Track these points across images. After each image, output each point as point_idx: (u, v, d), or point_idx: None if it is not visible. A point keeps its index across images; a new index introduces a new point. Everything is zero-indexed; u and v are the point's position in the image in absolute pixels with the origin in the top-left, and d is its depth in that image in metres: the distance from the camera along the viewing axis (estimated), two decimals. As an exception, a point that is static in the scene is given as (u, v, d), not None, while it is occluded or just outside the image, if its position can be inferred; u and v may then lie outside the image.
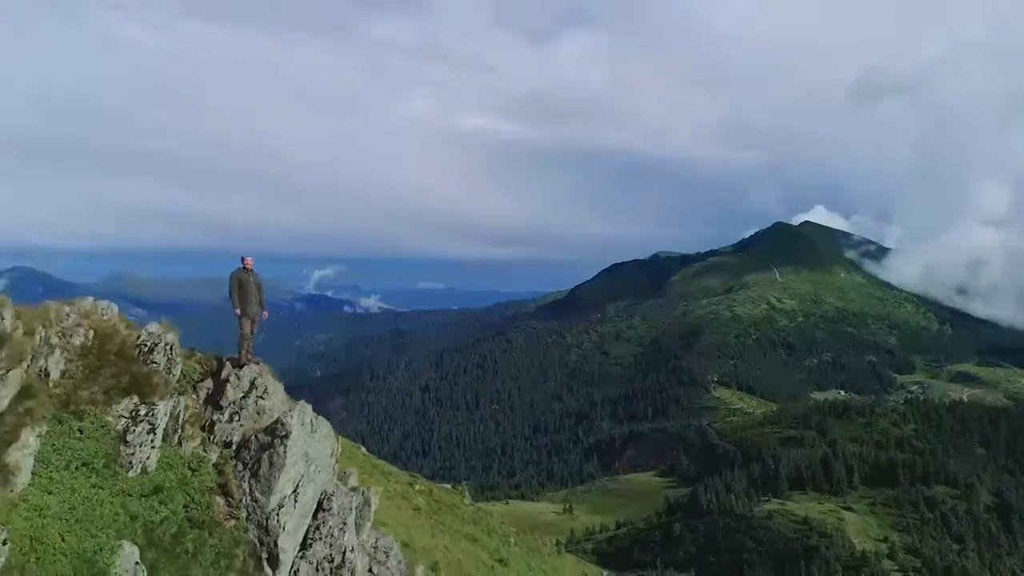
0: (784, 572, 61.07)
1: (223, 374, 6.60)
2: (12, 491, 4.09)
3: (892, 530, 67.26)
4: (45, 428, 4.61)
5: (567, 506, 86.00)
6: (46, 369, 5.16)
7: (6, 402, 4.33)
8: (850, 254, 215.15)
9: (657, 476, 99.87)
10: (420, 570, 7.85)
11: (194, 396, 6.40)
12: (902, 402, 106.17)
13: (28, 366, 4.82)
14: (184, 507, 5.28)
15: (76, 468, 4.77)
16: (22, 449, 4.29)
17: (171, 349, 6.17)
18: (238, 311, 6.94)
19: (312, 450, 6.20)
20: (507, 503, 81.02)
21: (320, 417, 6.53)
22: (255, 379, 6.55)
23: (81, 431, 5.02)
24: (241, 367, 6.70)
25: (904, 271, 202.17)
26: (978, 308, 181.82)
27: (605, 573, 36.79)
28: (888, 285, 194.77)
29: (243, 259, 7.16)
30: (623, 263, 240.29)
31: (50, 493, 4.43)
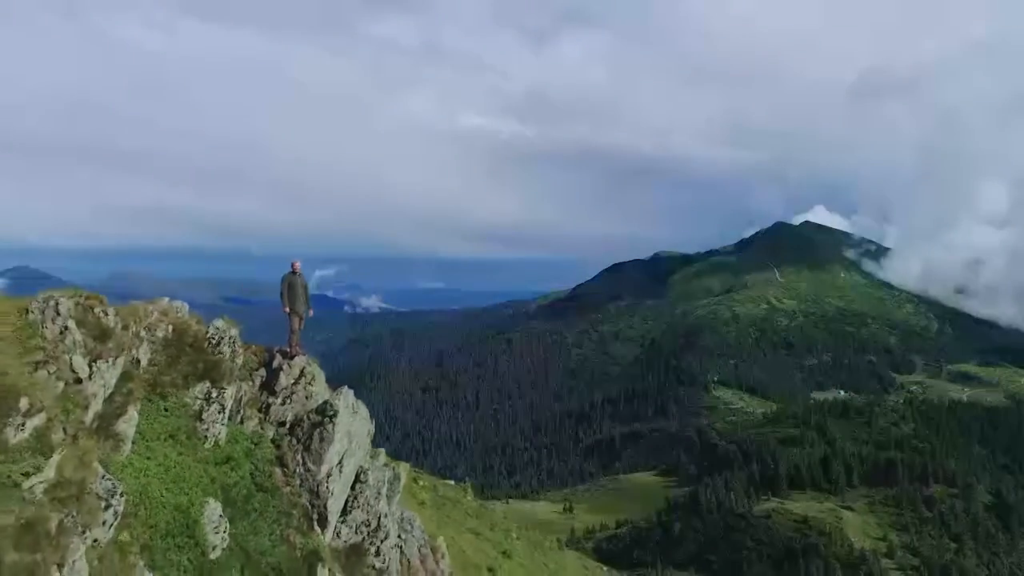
0: (783, 571, 61.43)
1: (274, 364, 7.69)
2: (121, 455, 5.17)
3: (891, 529, 67.57)
4: (139, 406, 5.59)
5: (567, 505, 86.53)
6: (137, 358, 6.24)
7: (113, 383, 5.43)
8: (850, 254, 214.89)
9: (657, 476, 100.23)
10: (440, 540, 8.76)
11: (251, 382, 7.43)
12: (902, 402, 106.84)
13: (125, 355, 5.88)
14: (250, 474, 6.43)
15: (165, 439, 5.93)
16: (128, 422, 5.44)
17: (234, 342, 7.24)
18: (287, 309, 7.85)
19: (353, 429, 7.32)
20: (507, 502, 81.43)
21: (359, 401, 7.61)
22: (304, 368, 7.62)
23: (167, 409, 6.18)
24: (291, 358, 7.71)
25: (904, 271, 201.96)
26: (978, 308, 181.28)
27: (606, 569, 37.12)
28: (888, 285, 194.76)
29: (293, 263, 8.05)
30: (623, 263, 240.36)
31: (148, 458, 5.61)
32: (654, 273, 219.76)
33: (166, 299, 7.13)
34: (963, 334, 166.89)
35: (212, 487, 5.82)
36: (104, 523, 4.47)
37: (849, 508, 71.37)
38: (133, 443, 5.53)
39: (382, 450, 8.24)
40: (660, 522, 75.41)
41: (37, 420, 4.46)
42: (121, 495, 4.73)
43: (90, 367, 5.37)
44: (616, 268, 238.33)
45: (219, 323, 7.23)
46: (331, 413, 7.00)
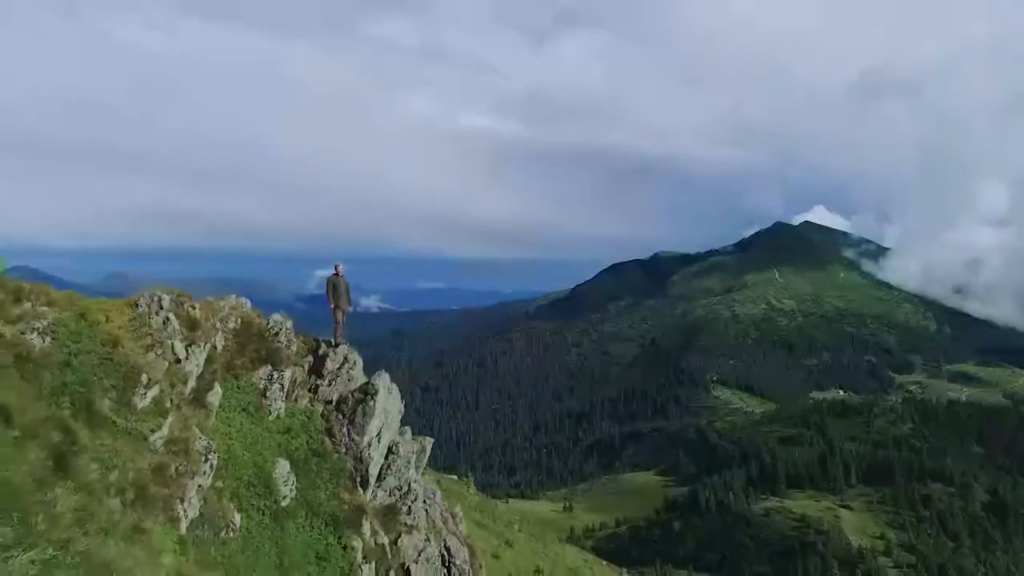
0: (781, 568, 61.95)
1: (320, 352, 8.97)
2: (210, 422, 6.40)
3: (888, 527, 68.19)
4: (221, 383, 6.87)
5: (567, 504, 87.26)
6: (215, 344, 7.63)
7: (202, 364, 6.67)
8: (850, 254, 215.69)
9: (657, 475, 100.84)
10: (458, 507, 10.11)
11: (302, 367, 8.71)
12: (900, 401, 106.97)
13: (208, 341, 7.29)
14: (306, 442, 7.85)
15: (239, 411, 7.43)
16: (215, 395, 6.73)
17: (289, 332, 8.67)
18: (332, 305, 9.13)
19: (388, 406, 8.68)
20: (507, 502, 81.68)
21: (393, 384, 8.95)
22: (347, 355, 8.96)
23: (239, 387, 7.74)
24: (336, 347, 9.01)
25: (903, 271, 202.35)
26: (976, 308, 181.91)
27: (605, 564, 37.56)
28: (887, 285, 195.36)
29: (336, 266, 9.39)
30: (623, 263, 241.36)
31: (229, 425, 7.05)
32: (654, 273, 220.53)
33: (233, 296, 8.48)
34: (962, 334, 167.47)
35: (279, 450, 7.25)
36: (204, 472, 5.74)
37: (847, 507, 71.99)
38: (217, 413, 6.89)
39: (408, 428, 9.41)
40: (659, 521, 76.12)
41: (154, 391, 5.80)
42: (214, 452, 6.04)
43: (186, 350, 6.80)
44: (616, 268, 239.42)
45: (277, 317, 8.63)
46: (372, 392, 8.36)
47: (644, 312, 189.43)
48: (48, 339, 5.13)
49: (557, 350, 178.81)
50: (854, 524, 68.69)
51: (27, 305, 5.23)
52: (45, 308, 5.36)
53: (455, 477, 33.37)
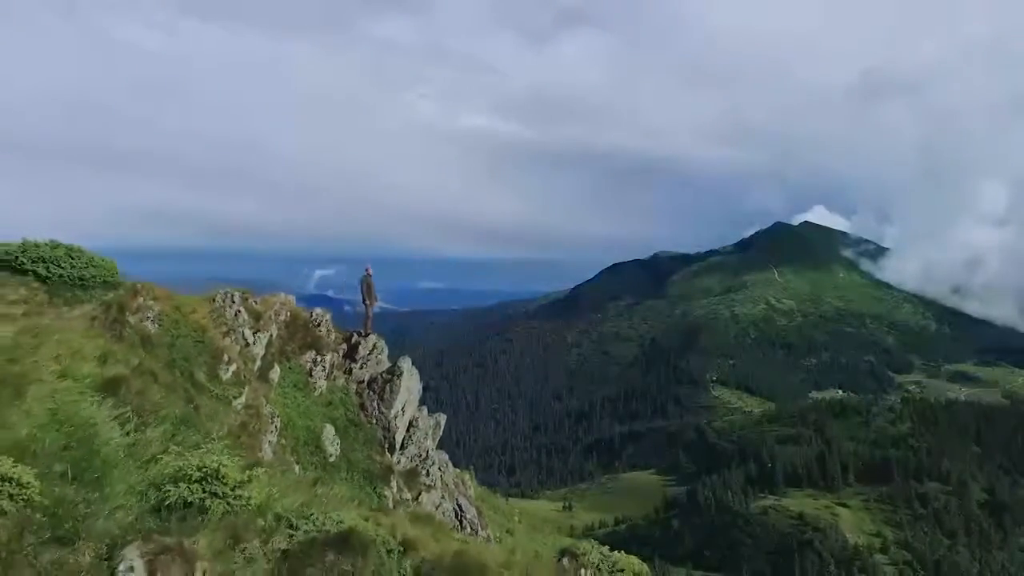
0: (779, 566, 62.79)
1: (353, 340, 11.02)
2: (271, 393, 8.06)
3: (885, 525, 68.96)
4: (278, 364, 8.62)
5: (567, 504, 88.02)
6: (272, 332, 9.52)
7: (264, 347, 8.33)
8: (849, 254, 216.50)
9: (656, 474, 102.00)
10: (467, 475, 11.92)
11: (337, 353, 10.70)
12: (899, 401, 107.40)
13: (267, 330, 9.19)
14: (344, 413, 9.83)
15: (292, 387, 9.18)
16: (275, 373, 8.42)
17: (328, 324, 10.75)
18: (366, 302, 11.16)
19: (411, 385, 10.71)
20: (507, 501, 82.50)
21: (414, 367, 10.95)
22: (375, 343, 11.11)
23: (290, 368, 9.72)
24: (366, 336, 11.13)
25: (902, 271, 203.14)
26: (975, 308, 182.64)
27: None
28: (887, 285, 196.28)
29: (367, 268, 11.30)
30: (623, 263, 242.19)
31: (285, 398, 8.50)
32: (654, 273, 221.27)
33: (282, 294, 10.48)
34: (961, 334, 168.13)
35: (325, 418, 9.21)
36: (272, 431, 7.55)
37: (845, 505, 72.72)
38: (275, 389, 8.75)
39: (425, 406, 11.26)
40: (659, 520, 77.08)
41: (233, 367, 7.62)
42: (277, 416, 7.95)
43: (253, 337, 8.79)
44: (616, 268, 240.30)
45: (318, 311, 10.71)
46: (398, 373, 10.37)
47: (644, 312, 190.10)
48: (157, 326, 6.66)
49: (557, 350, 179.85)
50: (851, 522, 69.43)
51: (140, 300, 6.75)
52: (152, 302, 6.83)
53: (456, 470, 34.41)
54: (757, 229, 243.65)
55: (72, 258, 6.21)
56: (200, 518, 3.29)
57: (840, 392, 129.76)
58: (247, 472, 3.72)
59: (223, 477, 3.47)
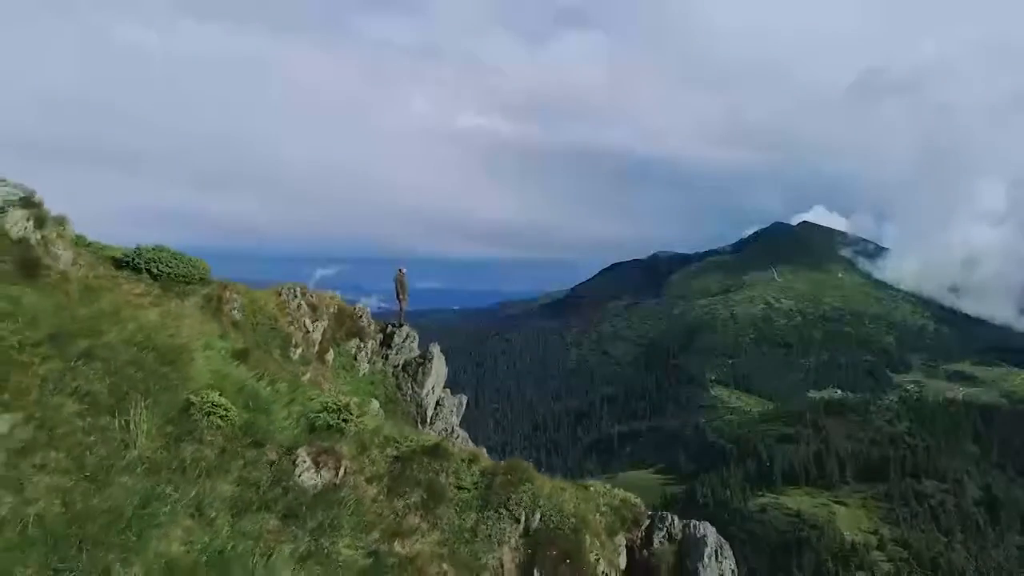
0: (776, 562, 63.44)
1: (388, 330, 12.94)
2: (328, 373, 9.58)
3: (882, 523, 69.56)
4: (331, 349, 10.16)
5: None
6: (324, 324, 11.30)
7: (320, 335, 9.88)
8: (847, 253, 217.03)
9: (655, 473, 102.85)
10: (483, 449, 13.57)
11: (375, 340, 12.62)
12: (897, 400, 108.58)
13: (321, 320, 10.98)
14: (384, 392, 11.64)
15: (341, 368, 10.95)
16: (329, 356, 9.91)
17: (368, 316, 12.78)
18: (400, 298, 13.04)
19: (438, 368, 12.49)
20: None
21: (441, 353, 12.67)
22: (408, 333, 13.01)
23: (340, 353, 11.42)
24: (400, 327, 12.98)
25: (901, 270, 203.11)
26: (973, 307, 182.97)
27: None
28: (885, 285, 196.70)
29: (400, 268, 13.05)
30: (623, 263, 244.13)
31: (337, 377, 10.11)
32: (653, 273, 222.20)
33: (331, 290, 12.54)
34: (960, 333, 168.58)
35: (370, 395, 10.75)
36: None
37: (842, 503, 73.55)
38: (330, 368, 10.54)
39: (449, 388, 12.86)
40: (659, 516, 77.96)
41: (300, 350, 9.58)
42: (337, 394, 9.16)
43: (312, 325, 10.64)
44: (615, 268, 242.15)
45: (359, 305, 12.67)
46: (430, 357, 12.19)
47: (643, 312, 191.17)
48: (241, 315, 8.11)
49: (556, 350, 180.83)
50: (848, 519, 70.09)
51: (227, 293, 8.26)
52: (236, 295, 8.32)
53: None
54: (756, 229, 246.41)
55: (176, 259, 7.39)
56: (338, 435, 5.29)
57: (838, 391, 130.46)
58: (362, 409, 5.35)
59: (350, 409, 5.46)
